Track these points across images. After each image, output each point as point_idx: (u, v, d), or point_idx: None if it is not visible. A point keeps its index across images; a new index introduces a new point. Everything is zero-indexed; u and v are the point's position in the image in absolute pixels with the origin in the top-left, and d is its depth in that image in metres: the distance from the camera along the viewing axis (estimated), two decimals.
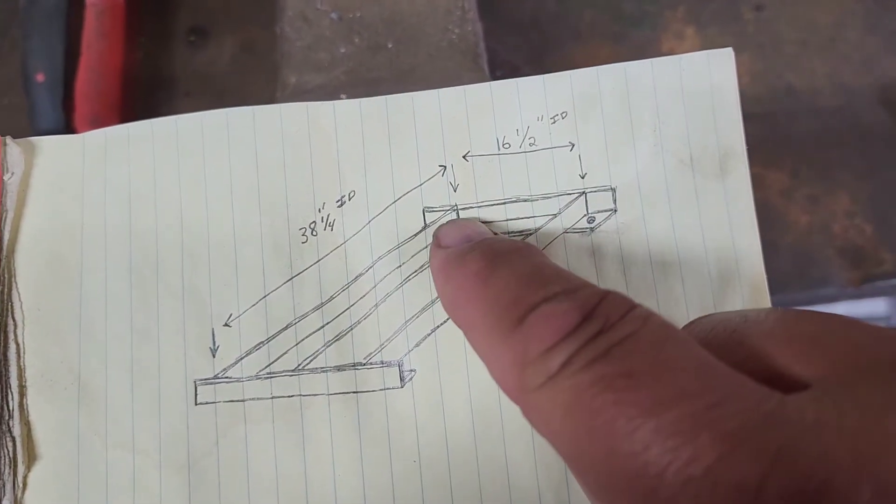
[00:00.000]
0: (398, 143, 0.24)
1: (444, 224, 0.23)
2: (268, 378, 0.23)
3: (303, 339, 0.23)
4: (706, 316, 0.19)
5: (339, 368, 0.23)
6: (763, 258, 0.23)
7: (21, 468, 0.22)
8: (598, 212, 0.24)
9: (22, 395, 0.22)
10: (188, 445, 0.22)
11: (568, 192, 0.24)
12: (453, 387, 0.23)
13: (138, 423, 0.22)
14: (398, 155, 0.24)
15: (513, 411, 0.23)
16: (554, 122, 0.24)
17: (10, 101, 0.37)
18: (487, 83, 0.24)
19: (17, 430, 0.22)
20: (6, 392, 0.22)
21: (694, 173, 0.24)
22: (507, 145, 0.24)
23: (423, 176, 0.24)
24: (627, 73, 0.24)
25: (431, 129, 0.24)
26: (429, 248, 0.24)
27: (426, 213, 0.24)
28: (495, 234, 0.23)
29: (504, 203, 0.24)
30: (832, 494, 0.12)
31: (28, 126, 0.34)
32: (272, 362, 0.23)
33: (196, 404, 0.23)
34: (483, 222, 0.23)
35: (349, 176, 0.24)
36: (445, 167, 0.24)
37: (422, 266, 0.23)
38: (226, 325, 0.23)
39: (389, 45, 0.31)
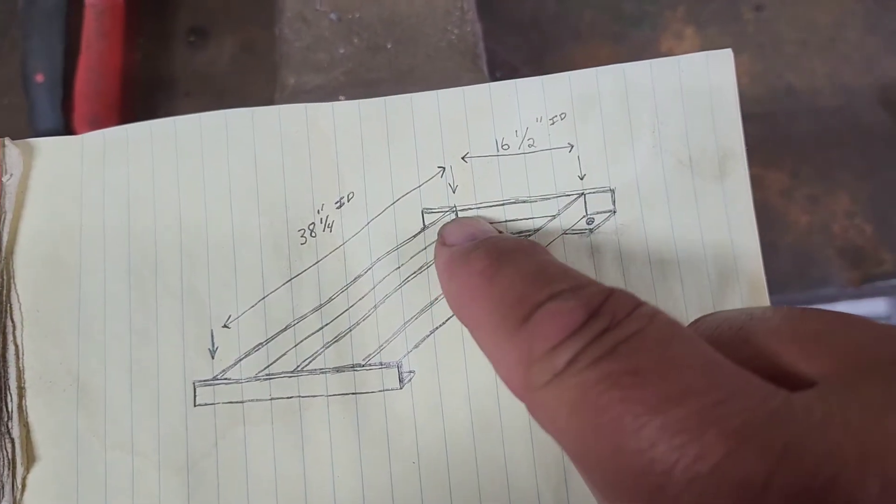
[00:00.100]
0: (397, 144, 0.24)
1: (448, 222, 0.23)
2: (267, 379, 0.23)
3: (302, 341, 0.23)
4: (711, 314, 0.19)
5: (338, 370, 0.23)
6: (763, 258, 0.23)
7: (20, 469, 0.22)
8: (597, 213, 0.24)
9: (21, 396, 0.22)
10: (187, 447, 0.22)
11: (567, 193, 0.24)
12: (452, 388, 0.23)
13: (137, 424, 0.23)
14: (397, 156, 0.24)
15: (511, 412, 0.23)
16: (553, 124, 0.24)
17: (10, 102, 0.37)
18: (486, 84, 0.24)
19: (15, 432, 0.22)
20: (5, 394, 0.22)
21: (693, 174, 0.24)
22: (506, 146, 0.24)
23: (421, 177, 0.24)
24: (626, 74, 0.24)
25: (430, 131, 0.24)
26: (428, 249, 0.24)
27: (425, 215, 0.24)
28: (500, 232, 0.23)
29: (503, 204, 0.24)
30: (838, 491, 0.12)
31: (27, 126, 0.34)
32: (271, 363, 0.23)
33: (195, 406, 0.23)
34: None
35: (348, 177, 0.24)
36: (444, 168, 0.24)
37: (421, 267, 0.23)
38: (225, 326, 0.23)
39: (388, 46, 0.31)
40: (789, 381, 0.15)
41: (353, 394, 0.23)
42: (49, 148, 0.24)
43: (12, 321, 0.23)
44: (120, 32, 0.36)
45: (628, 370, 0.14)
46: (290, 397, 0.23)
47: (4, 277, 0.23)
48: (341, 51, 0.31)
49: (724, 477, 0.13)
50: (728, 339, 0.17)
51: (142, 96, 0.37)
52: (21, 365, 0.23)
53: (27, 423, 0.22)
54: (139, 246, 0.24)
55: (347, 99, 0.25)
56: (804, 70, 0.39)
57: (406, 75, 0.31)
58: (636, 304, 0.16)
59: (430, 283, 0.23)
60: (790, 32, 0.39)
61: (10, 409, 0.22)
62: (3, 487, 0.22)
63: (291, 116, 0.24)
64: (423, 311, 0.23)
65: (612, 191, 0.24)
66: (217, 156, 0.24)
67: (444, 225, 0.23)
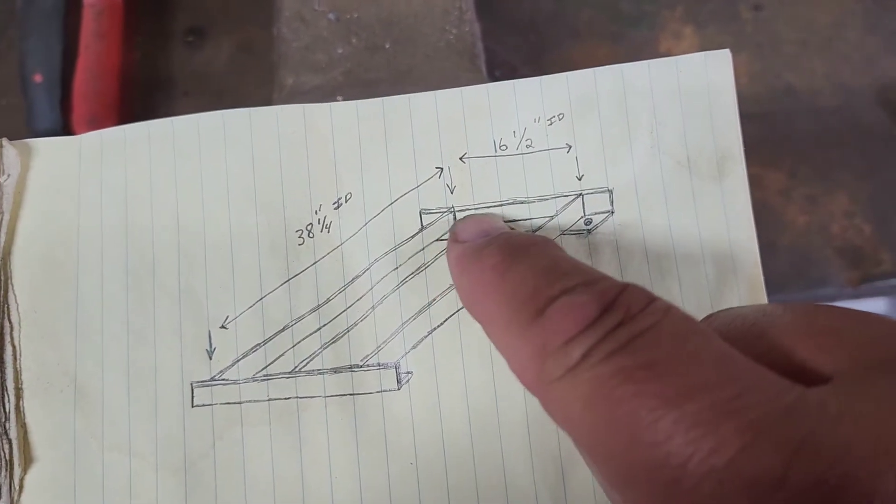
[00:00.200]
0: (395, 144, 0.24)
1: (461, 219, 0.23)
2: (264, 380, 0.23)
3: (299, 342, 0.23)
4: (724, 310, 0.19)
5: (336, 371, 0.23)
6: (761, 258, 0.23)
7: (17, 471, 0.22)
8: (595, 213, 0.24)
9: (18, 397, 0.22)
10: (185, 448, 0.22)
11: (565, 193, 0.24)
12: (450, 389, 0.23)
13: (135, 425, 0.22)
14: (395, 157, 0.24)
15: (509, 413, 0.23)
16: (551, 124, 0.24)
17: (8, 102, 0.37)
18: (484, 85, 0.24)
19: (13, 433, 0.22)
20: (2, 395, 0.22)
21: (691, 175, 0.24)
22: (503, 147, 0.24)
23: (419, 178, 0.24)
24: (624, 75, 0.24)
25: (428, 131, 0.24)
26: (426, 250, 0.24)
27: (423, 215, 0.24)
28: (512, 229, 0.23)
29: (501, 205, 0.24)
30: (855, 485, 0.12)
31: (26, 127, 0.34)
32: (269, 364, 0.23)
33: (192, 407, 0.23)
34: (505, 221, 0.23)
35: (346, 178, 0.24)
36: (442, 169, 0.24)
37: (419, 268, 0.23)
38: (222, 327, 0.23)
39: (387, 46, 0.31)
40: (803, 376, 0.15)
41: (350, 395, 0.23)
42: (46, 148, 0.24)
43: (9, 322, 0.23)
44: (118, 32, 0.36)
45: (643, 364, 0.14)
46: (288, 398, 0.23)
47: (2, 278, 0.23)
48: (339, 51, 0.31)
49: (739, 470, 0.13)
50: (741, 334, 0.17)
51: (140, 96, 0.37)
52: (18, 366, 0.23)
53: (24, 424, 0.22)
54: (137, 246, 0.24)
55: (346, 99, 0.25)
56: (803, 70, 0.39)
57: (404, 75, 0.31)
58: (650, 299, 0.16)
59: (428, 284, 0.23)
60: (789, 32, 0.39)
61: (7, 411, 0.22)
62: (0, 489, 0.22)
63: (289, 117, 0.24)
64: (420, 311, 0.23)
65: (611, 191, 0.24)
66: (215, 156, 0.24)
67: (457, 221, 0.23)
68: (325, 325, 0.23)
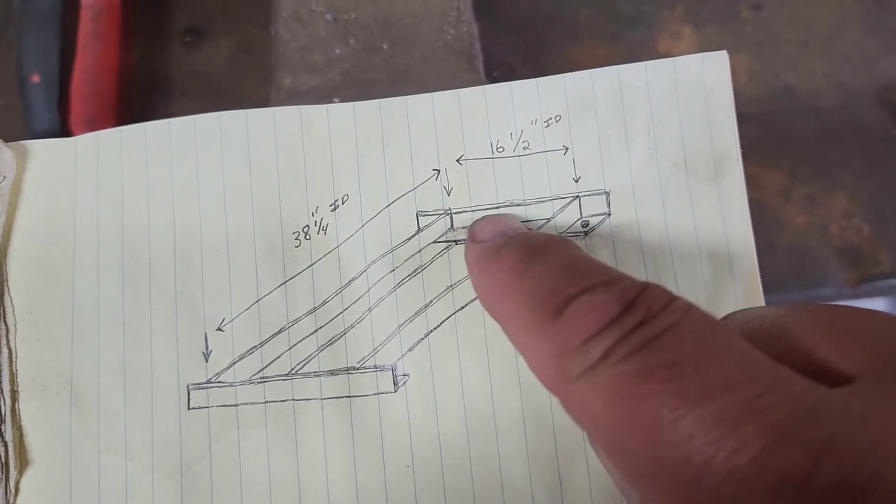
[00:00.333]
0: (392, 146, 0.24)
1: (479, 219, 0.23)
2: (261, 383, 0.23)
3: (296, 344, 0.23)
4: (741, 310, 0.19)
5: (333, 373, 0.23)
6: (760, 258, 0.23)
7: (13, 473, 0.22)
8: (592, 215, 0.24)
9: (14, 399, 0.22)
10: (181, 450, 0.22)
11: (562, 195, 0.24)
12: (446, 391, 0.23)
13: (131, 427, 0.22)
14: (392, 158, 0.24)
15: (506, 416, 0.23)
16: (548, 126, 0.24)
17: (6, 103, 0.37)
18: (481, 87, 0.24)
19: (9, 435, 0.22)
20: None
21: (688, 176, 0.24)
22: (500, 149, 0.24)
23: (416, 180, 0.24)
24: (621, 76, 0.24)
25: (425, 133, 0.24)
26: (423, 252, 0.23)
27: (420, 217, 0.24)
28: (529, 230, 0.23)
29: (498, 207, 0.24)
30: (882, 486, 0.12)
31: (23, 127, 0.34)
32: (265, 367, 0.23)
33: (189, 409, 0.23)
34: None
35: (343, 180, 0.24)
36: (439, 171, 0.24)
37: (415, 270, 0.23)
38: (219, 329, 0.23)
39: (384, 47, 0.31)
40: (825, 376, 0.15)
41: (347, 397, 0.23)
42: (42, 150, 0.24)
43: (5, 324, 0.23)
44: (116, 33, 0.36)
45: (665, 363, 0.14)
46: (284, 401, 0.23)
47: None
48: (337, 51, 0.31)
49: (763, 470, 0.13)
50: (760, 334, 0.17)
51: (138, 97, 0.37)
52: (14, 368, 0.23)
53: (20, 426, 0.22)
54: (133, 248, 0.24)
55: (343, 100, 0.25)
56: (803, 70, 0.39)
57: (402, 76, 0.31)
58: (671, 298, 0.16)
59: (425, 286, 0.23)
60: (789, 32, 0.39)
61: (3, 413, 0.22)
62: None
63: (286, 118, 0.24)
64: (417, 314, 0.23)
65: (607, 193, 0.24)
66: (211, 158, 0.24)
67: (475, 222, 0.23)
68: (321, 328, 0.23)
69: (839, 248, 0.37)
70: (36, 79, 0.34)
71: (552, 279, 0.17)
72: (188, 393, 0.23)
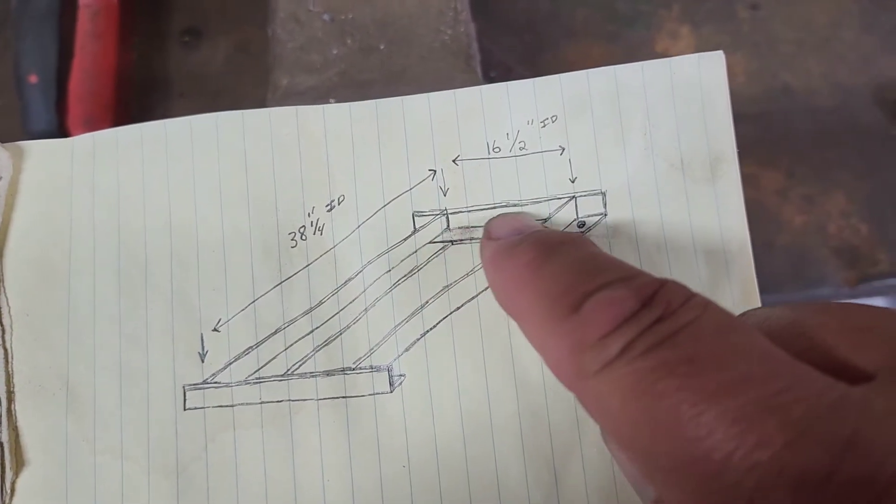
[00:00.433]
0: (388, 147, 0.24)
1: (494, 217, 0.23)
2: (257, 383, 0.23)
3: (292, 344, 0.23)
4: (757, 308, 0.18)
5: (329, 373, 0.23)
6: (758, 258, 0.23)
7: (9, 474, 0.22)
8: (589, 216, 0.24)
9: (10, 400, 0.22)
10: (177, 451, 0.22)
11: (558, 196, 0.24)
12: (443, 391, 0.23)
13: (127, 428, 0.22)
14: (388, 159, 0.24)
15: (502, 416, 0.23)
16: (544, 126, 0.24)
17: (3, 103, 0.37)
18: (477, 87, 0.24)
19: (4, 436, 0.22)
20: None
21: (684, 177, 0.24)
22: (497, 149, 0.24)
23: (412, 180, 0.24)
24: (617, 76, 0.24)
25: (421, 133, 0.24)
26: (418, 252, 0.24)
27: (416, 218, 0.24)
28: (544, 227, 0.23)
29: (494, 207, 0.24)
30: None
31: (21, 128, 0.34)
32: (261, 367, 0.23)
33: (185, 410, 0.23)
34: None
35: (339, 180, 0.24)
36: (435, 171, 0.24)
37: (412, 270, 0.23)
38: (215, 329, 0.23)
39: (381, 47, 0.31)
40: (845, 373, 0.15)
41: (343, 397, 0.23)
42: (39, 150, 0.24)
43: (1, 325, 0.23)
44: (114, 33, 0.36)
45: (684, 358, 0.14)
46: (280, 401, 0.23)
47: None
48: (334, 51, 0.31)
49: (784, 466, 0.13)
50: (778, 332, 0.16)
51: (136, 97, 0.37)
52: (10, 369, 0.23)
53: (16, 427, 0.22)
54: (129, 249, 0.24)
55: (340, 100, 0.25)
56: (800, 69, 0.39)
57: (399, 76, 0.31)
58: (689, 295, 0.16)
59: (421, 287, 0.23)
60: (786, 32, 0.39)
61: None
62: None
63: (282, 119, 0.24)
64: (413, 314, 0.23)
65: (604, 193, 0.24)
66: (207, 159, 0.24)
67: (490, 220, 0.23)
68: (317, 328, 0.23)
69: (837, 247, 0.37)
70: (33, 79, 0.34)
71: (569, 276, 0.17)
72: (184, 393, 0.23)
